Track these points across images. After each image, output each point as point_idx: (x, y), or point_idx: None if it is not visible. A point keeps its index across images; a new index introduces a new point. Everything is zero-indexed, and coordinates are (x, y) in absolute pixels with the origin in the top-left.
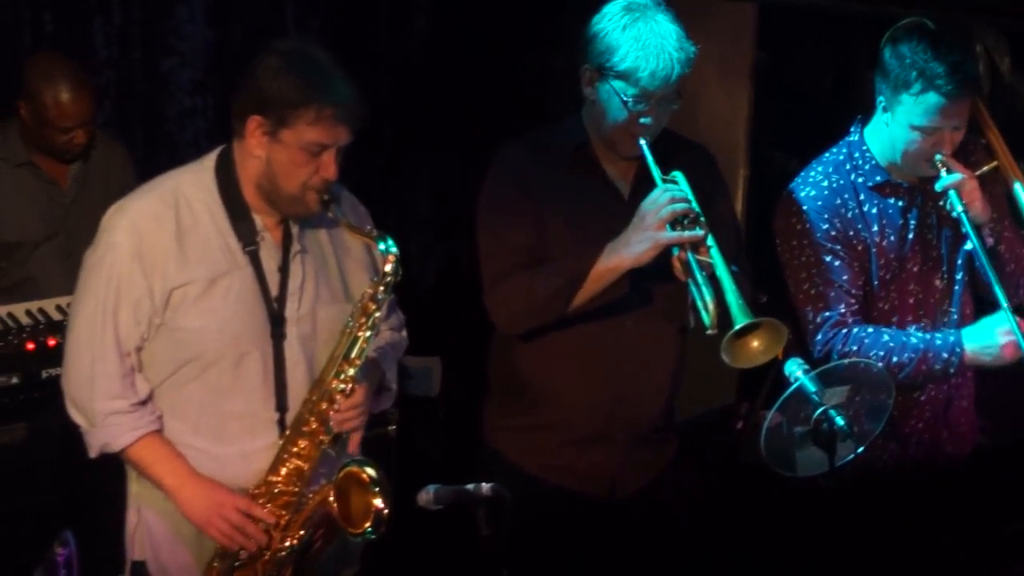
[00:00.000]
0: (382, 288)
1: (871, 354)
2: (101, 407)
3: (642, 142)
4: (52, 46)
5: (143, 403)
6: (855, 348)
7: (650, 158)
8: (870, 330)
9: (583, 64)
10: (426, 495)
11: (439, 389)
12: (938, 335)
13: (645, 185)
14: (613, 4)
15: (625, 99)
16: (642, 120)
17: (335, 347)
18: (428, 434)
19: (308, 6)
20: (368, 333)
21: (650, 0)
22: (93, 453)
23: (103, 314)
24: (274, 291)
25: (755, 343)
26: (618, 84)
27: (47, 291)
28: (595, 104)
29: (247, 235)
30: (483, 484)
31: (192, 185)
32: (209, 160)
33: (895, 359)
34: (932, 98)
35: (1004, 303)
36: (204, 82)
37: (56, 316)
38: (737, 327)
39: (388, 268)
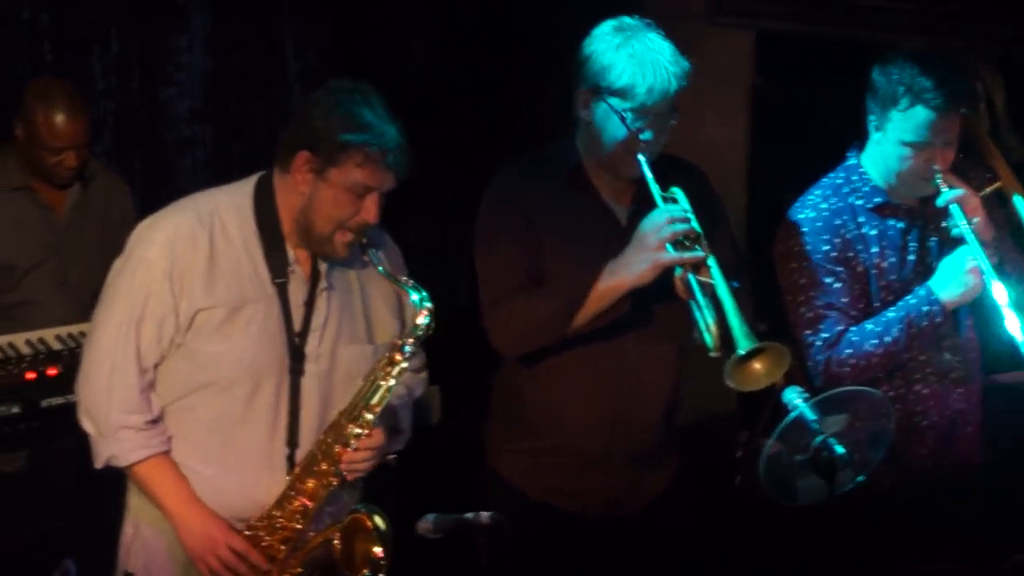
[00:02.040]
0: (411, 340)
1: (866, 347)
2: (116, 419)
3: (641, 158)
4: (51, 75)
5: (155, 422)
6: (850, 351)
7: (649, 175)
8: (853, 328)
9: (577, 87)
10: (426, 524)
11: (439, 418)
12: (910, 296)
13: (643, 210)
14: (602, 26)
15: (623, 115)
16: (642, 136)
17: (356, 392)
18: (428, 463)
19: (306, 36)
20: (392, 382)
21: (639, 20)
22: (99, 463)
23: (128, 326)
24: (297, 326)
25: (758, 366)
26: (615, 101)
27: (40, 316)
28: (591, 126)
29: (279, 266)
30: (482, 512)
31: (229, 209)
32: (248, 186)
33: (887, 339)
34: (920, 112)
35: (978, 250)
36: (203, 111)
37: (56, 346)
38: (741, 352)
39: (420, 321)
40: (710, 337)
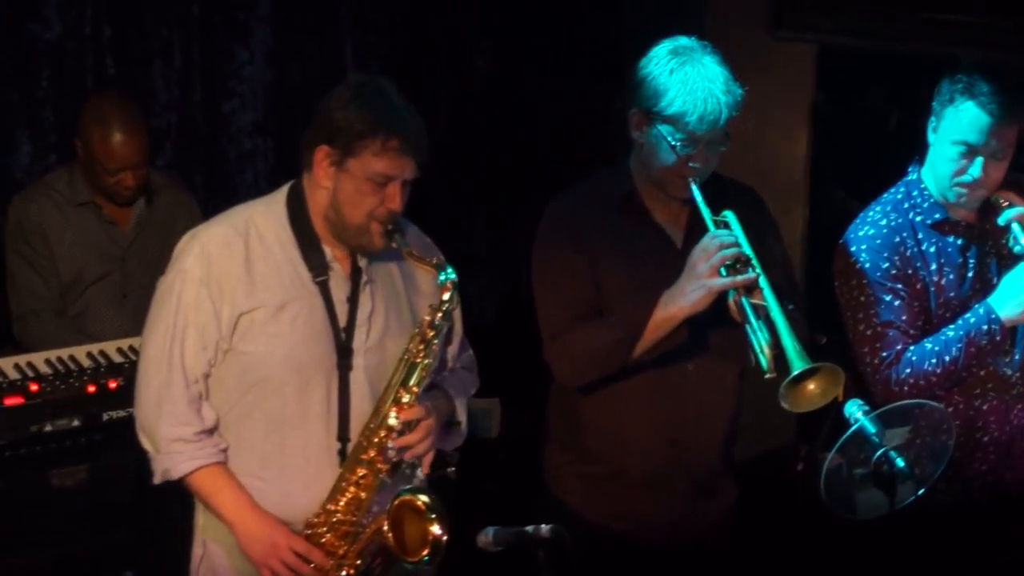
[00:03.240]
0: (440, 315)
1: (926, 367)
2: (166, 433)
3: (692, 185)
4: (114, 89)
5: (208, 432)
6: (909, 371)
7: (700, 200)
8: (912, 347)
9: (631, 107)
10: (485, 537)
11: (499, 431)
12: (969, 314)
13: (697, 232)
14: (660, 47)
15: (673, 143)
16: (691, 163)
17: (392, 374)
18: (488, 476)
19: (368, 48)
20: (428, 360)
21: (696, 42)
22: (156, 479)
23: (171, 340)
24: (342, 321)
25: (812, 387)
26: (666, 128)
27: (100, 329)
28: (643, 147)
29: (318, 265)
30: (543, 526)
31: (263, 216)
32: (281, 193)
33: (946, 358)
34: (972, 110)
35: None
36: (264, 124)
37: (117, 359)
38: (794, 373)
39: (446, 296)
40: (765, 359)
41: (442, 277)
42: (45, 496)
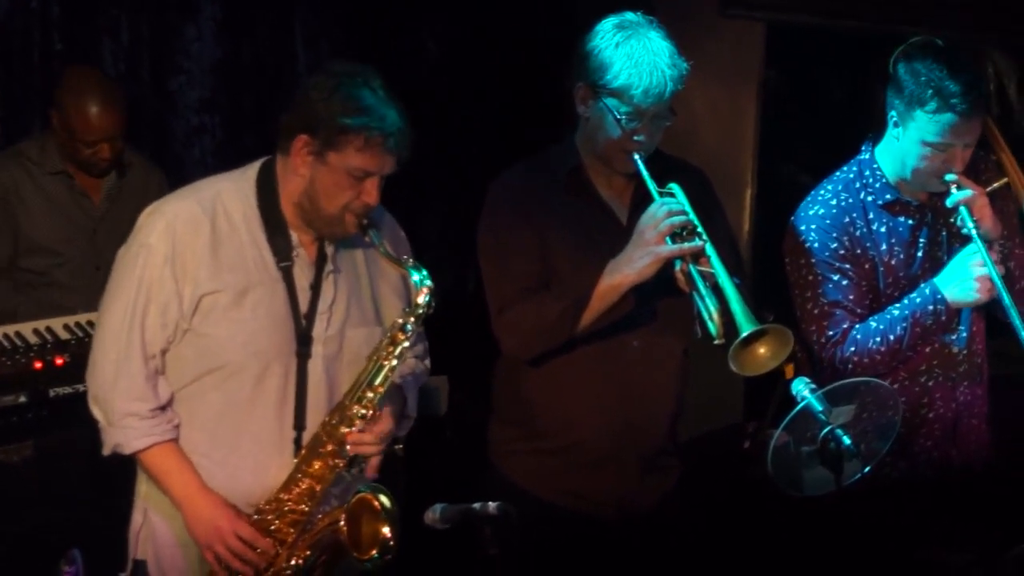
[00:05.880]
0: (413, 319)
1: (870, 345)
2: (121, 407)
3: (637, 158)
4: (61, 65)
5: (162, 409)
6: (853, 349)
7: (645, 173)
8: (858, 325)
9: (577, 82)
10: (433, 514)
11: (446, 408)
12: (915, 294)
13: (643, 206)
14: (605, 22)
15: (619, 116)
16: (636, 137)
17: (360, 372)
18: (435, 453)
19: (317, 27)
20: (395, 362)
21: (642, 17)
22: (106, 451)
23: (132, 315)
24: (304, 309)
25: (762, 350)
26: (611, 102)
27: (71, 301)
28: (588, 121)
29: (282, 250)
30: (490, 503)
31: (232, 194)
32: (251, 171)
33: (892, 337)
34: (947, 116)
35: (986, 256)
36: (212, 101)
37: (64, 335)
38: (744, 335)
39: (421, 300)
40: (714, 325)
41: (416, 278)
42: None
